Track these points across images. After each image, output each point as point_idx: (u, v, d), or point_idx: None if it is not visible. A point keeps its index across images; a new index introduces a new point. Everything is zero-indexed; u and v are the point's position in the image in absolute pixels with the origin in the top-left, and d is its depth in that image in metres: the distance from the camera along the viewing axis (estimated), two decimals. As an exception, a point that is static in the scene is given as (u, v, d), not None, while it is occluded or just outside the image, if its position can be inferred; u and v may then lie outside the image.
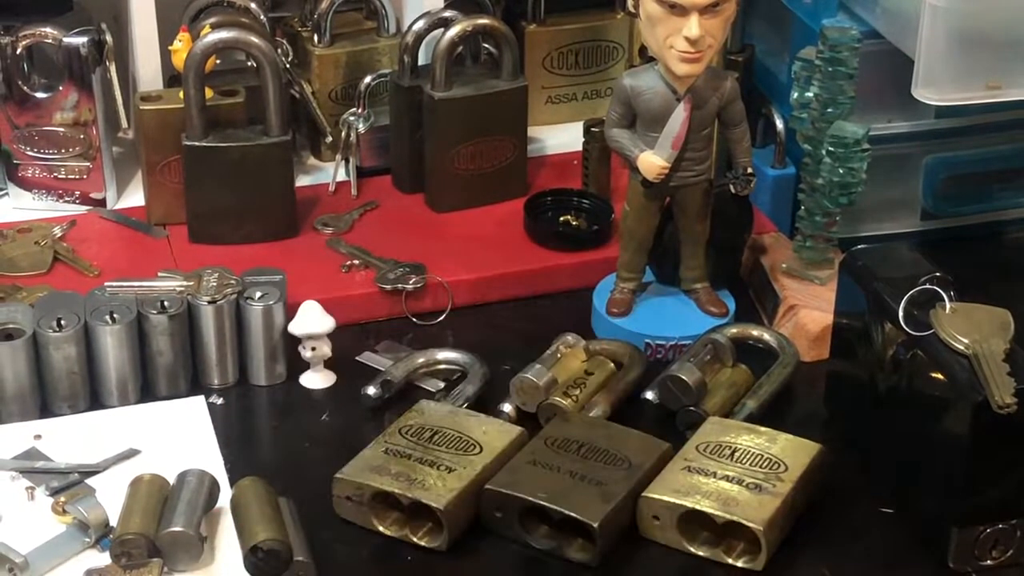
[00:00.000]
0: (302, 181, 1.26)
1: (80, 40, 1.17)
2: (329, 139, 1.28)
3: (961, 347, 0.88)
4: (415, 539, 0.91)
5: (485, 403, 1.02)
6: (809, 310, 1.10)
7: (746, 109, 1.08)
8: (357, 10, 1.31)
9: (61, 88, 1.19)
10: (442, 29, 1.22)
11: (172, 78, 1.21)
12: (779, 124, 1.24)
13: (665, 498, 0.91)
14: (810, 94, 1.11)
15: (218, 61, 1.17)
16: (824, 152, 1.10)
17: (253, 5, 1.27)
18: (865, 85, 1.12)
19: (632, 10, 1.03)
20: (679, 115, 1.03)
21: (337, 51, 1.28)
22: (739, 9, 1.04)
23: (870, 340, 0.96)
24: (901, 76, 1.11)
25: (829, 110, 1.10)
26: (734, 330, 1.08)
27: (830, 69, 1.09)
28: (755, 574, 0.90)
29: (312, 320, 1.05)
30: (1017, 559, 0.91)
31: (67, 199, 1.23)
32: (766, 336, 1.09)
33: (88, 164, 1.21)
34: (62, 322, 1.01)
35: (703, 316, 1.11)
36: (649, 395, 1.02)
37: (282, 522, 0.88)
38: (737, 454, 0.94)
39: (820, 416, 1.04)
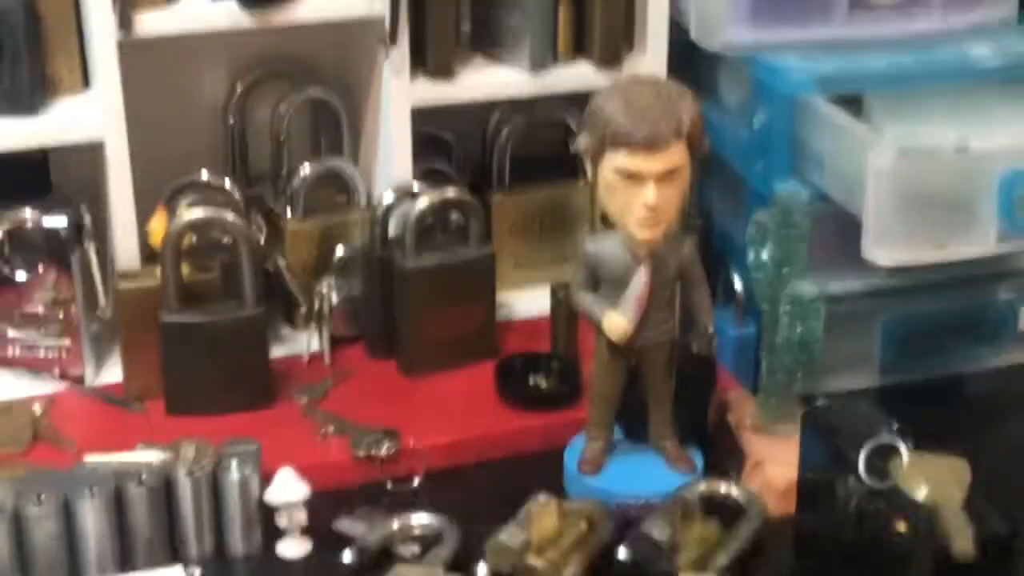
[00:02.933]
0: (277, 351, 1.28)
1: (59, 222, 1.20)
2: (303, 310, 1.30)
3: (921, 497, 0.90)
4: None
5: (461, 566, 1.03)
6: (775, 465, 1.12)
7: (706, 271, 1.11)
8: (329, 186, 1.35)
9: (41, 269, 1.21)
10: (411, 201, 1.25)
11: (149, 256, 1.24)
12: (738, 285, 1.28)
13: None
14: (765, 256, 1.15)
15: (194, 239, 1.20)
16: (782, 311, 1.13)
17: (228, 184, 1.31)
18: (818, 246, 1.16)
19: (593, 179, 1.06)
20: (641, 278, 1.06)
21: (310, 225, 1.32)
22: (695, 176, 1.08)
23: (835, 493, 0.98)
24: (852, 236, 1.15)
25: (784, 270, 1.13)
26: (703, 486, 1.10)
27: (783, 231, 1.13)
28: None
29: (287, 488, 1.06)
30: None
31: (47, 377, 1.24)
32: (734, 492, 1.11)
33: (67, 343, 1.23)
34: (42, 498, 1.02)
35: (672, 473, 1.12)
36: (622, 555, 1.04)
37: None
38: (709, 609, 0.95)
39: (790, 570, 1.05)
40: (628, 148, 1.01)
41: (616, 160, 1.02)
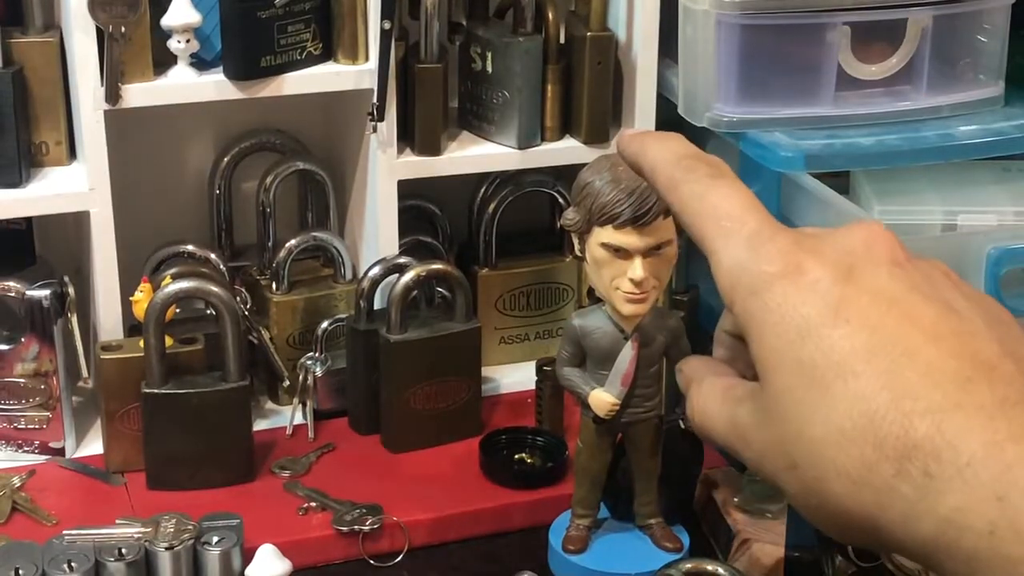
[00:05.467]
0: (260, 425, 1.28)
1: (43, 293, 1.20)
2: (287, 383, 1.30)
3: (909, 574, 0.90)
4: None
5: (443, 644, 1.02)
6: (762, 544, 1.12)
7: (693, 347, 1.11)
8: (314, 258, 1.35)
9: (23, 340, 1.21)
10: (397, 275, 1.25)
11: (132, 327, 1.23)
12: (726, 360, 1.27)
13: None
14: (752, 332, 1.14)
15: (178, 310, 1.20)
16: (769, 387, 1.12)
17: (213, 256, 1.31)
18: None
19: (579, 254, 1.06)
20: (627, 353, 1.06)
21: (295, 297, 1.31)
22: (682, 251, 1.08)
23: (821, 572, 0.98)
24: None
25: (772, 346, 1.13)
26: (689, 565, 1.09)
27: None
28: None
29: (268, 564, 1.05)
30: None
31: (26, 449, 1.23)
32: (720, 571, 1.09)
33: (48, 414, 1.22)
34: (20, 572, 1.01)
35: (658, 551, 1.11)
36: (607, 633, 1.03)
37: None
38: None
39: (777, 650, 1.05)
40: (615, 224, 1.01)
41: (603, 236, 1.02)
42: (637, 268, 1.02)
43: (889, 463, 0.53)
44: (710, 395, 0.64)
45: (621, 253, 1.02)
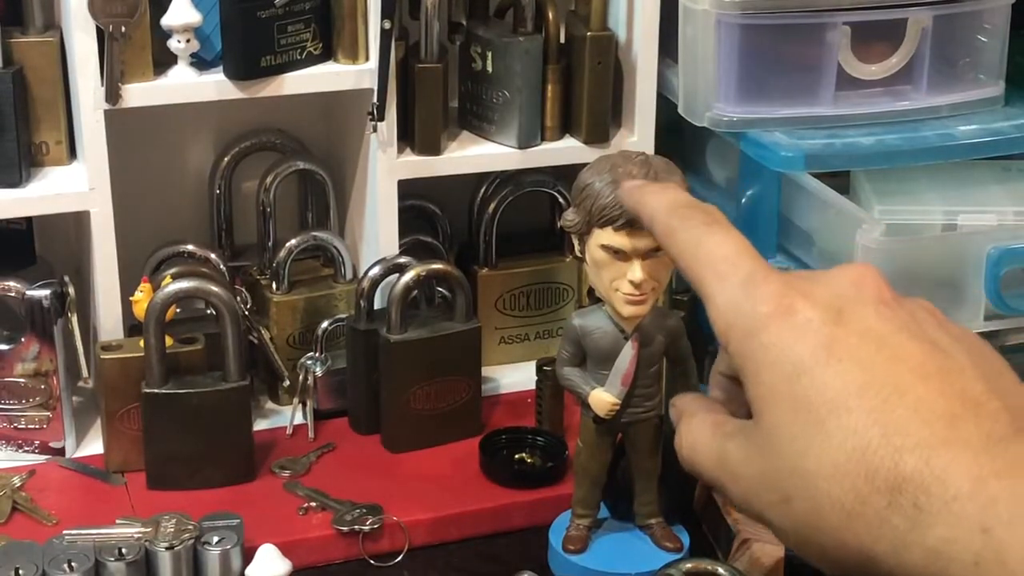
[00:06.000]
0: (260, 425, 1.28)
1: (43, 293, 1.19)
2: (287, 383, 1.30)
3: None
4: None
5: (443, 644, 1.02)
6: (762, 543, 1.11)
7: (693, 347, 1.11)
8: (314, 258, 1.35)
9: (23, 340, 1.21)
10: (397, 275, 1.25)
11: (133, 327, 1.23)
12: (726, 360, 1.27)
13: None
14: (752, 331, 1.14)
15: (178, 310, 1.20)
16: (769, 387, 1.12)
17: (213, 256, 1.31)
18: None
19: (579, 255, 1.06)
20: (627, 353, 1.06)
21: (295, 297, 1.31)
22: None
23: (821, 572, 0.97)
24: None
25: (772, 346, 1.13)
26: (689, 565, 1.09)
27: (771, 307, 1.12)
28: None
29: (269, 564, 1.05)
30: None
31: (26, 449, 1.23)
32: (720, 570, 1.09)
33: (48, 414, 1.22)
34: (20, 572, 1.01)
35: (658, 551, 1.11)
36: (607, 633, 1.03)
37: None
38: None
39: (777, 650, 1.05)
40: (614, 226, 1.01)
41: (602, 237, 1.02)
42: (636, 270, 1.02)
43: (880, 495, 0.55)
44: (700, 429, 0.66)
45: (620, 255, 1.02)
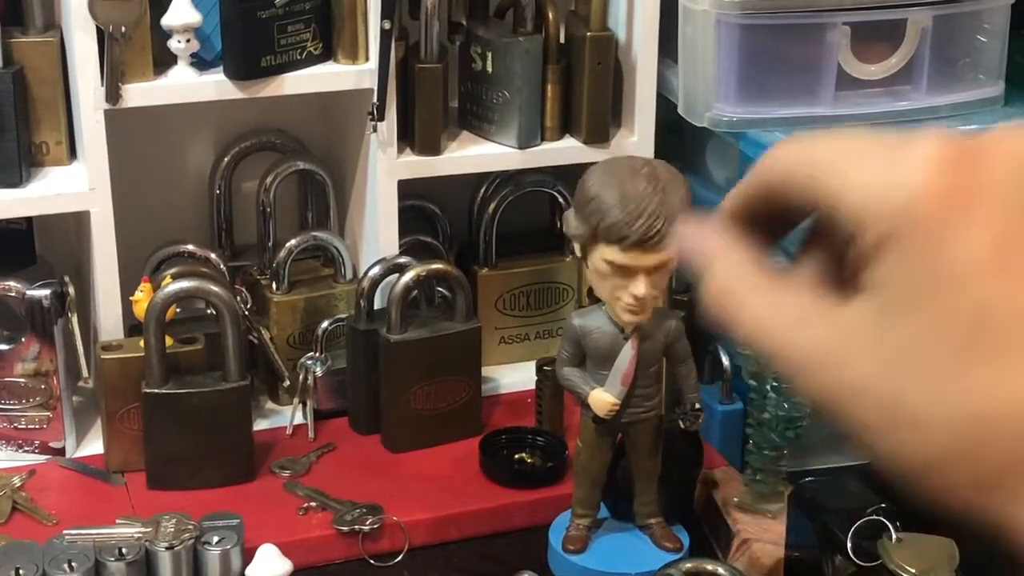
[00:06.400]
0: (260, 425, 1.27)
1: (43, 293, 1.19)
2: (287, 383, 1.30)
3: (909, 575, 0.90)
4: None
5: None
6: (762, 543, 1.12)
7: (692, 347, 1.11)
8: (314, 258, 1.35)
9: (23, 339, 1.21)
10: (397, 274, 1.25)
11: (133, 327, 1.23)
12: (725, 360, 1.28)
13: None
14: (753, 331, 1.14)
15: (178, 310, 1.20)
16: (769, 387, 1.13)
17: (213, 256, 1.31)
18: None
19: (579, 255, 1.06)
20: (627, 353, 1.06)
21: (295, 297, 1.31)
22: (682, 252, 1.07)
23: (822, 572, 0.98)
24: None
25: (772, 346, 1.13)
26: (689, 565, 1.09)
27: (771, 307, 1.13)
28: None
29: (269, 564, 1.05)
30: None
31: (27, 449, 1.23)
32: (720, 570, 1.09)
33: (48, 414, 1.22)
34: (20, 571, 1.01)
35: (658, 551, 1.11)
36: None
37: None
38: None
39: (777, 649, 1.05)
40: (622, 246, 1.00)
41: (608, 253, 1.01)
42: (640, 286, 1.01)
43: None
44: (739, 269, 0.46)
45: (625, 271, 1.01)
